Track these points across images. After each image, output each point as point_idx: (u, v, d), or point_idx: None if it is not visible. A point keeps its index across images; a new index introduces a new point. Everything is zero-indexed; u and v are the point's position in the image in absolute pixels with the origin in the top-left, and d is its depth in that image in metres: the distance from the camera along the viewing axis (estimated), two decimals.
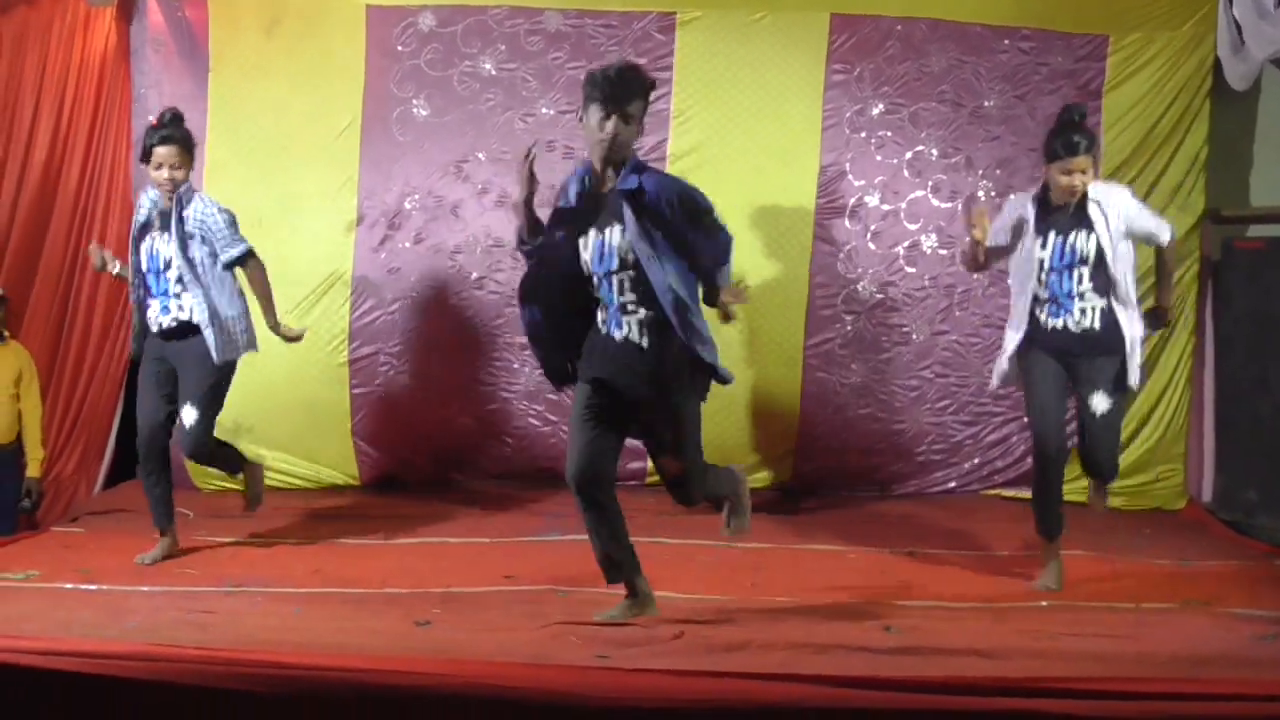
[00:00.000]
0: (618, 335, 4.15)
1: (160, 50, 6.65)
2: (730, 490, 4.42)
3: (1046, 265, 4.85)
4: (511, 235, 6.50)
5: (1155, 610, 4.65)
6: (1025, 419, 6.66)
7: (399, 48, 6.65)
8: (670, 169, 6.57)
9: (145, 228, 5.19)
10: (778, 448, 6.77)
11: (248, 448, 6.48)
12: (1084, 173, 4.77)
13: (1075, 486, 6.41)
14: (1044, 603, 4.72)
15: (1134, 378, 4.89)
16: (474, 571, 5.01)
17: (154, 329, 5.17)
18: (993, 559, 5.45)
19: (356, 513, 6.12)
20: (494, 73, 6.67)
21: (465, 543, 5.59)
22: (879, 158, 6.72)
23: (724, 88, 6.63)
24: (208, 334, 5.09)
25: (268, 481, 6.54)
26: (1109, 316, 4.83)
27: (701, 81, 6.61)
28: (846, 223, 6.73)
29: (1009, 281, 5.12)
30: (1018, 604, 4.70)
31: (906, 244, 6.75)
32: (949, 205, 6.75)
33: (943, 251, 6.74)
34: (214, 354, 5.09)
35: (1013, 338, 4.99)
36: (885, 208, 6.73)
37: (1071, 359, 4.88)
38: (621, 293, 4.11)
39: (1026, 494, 6.41)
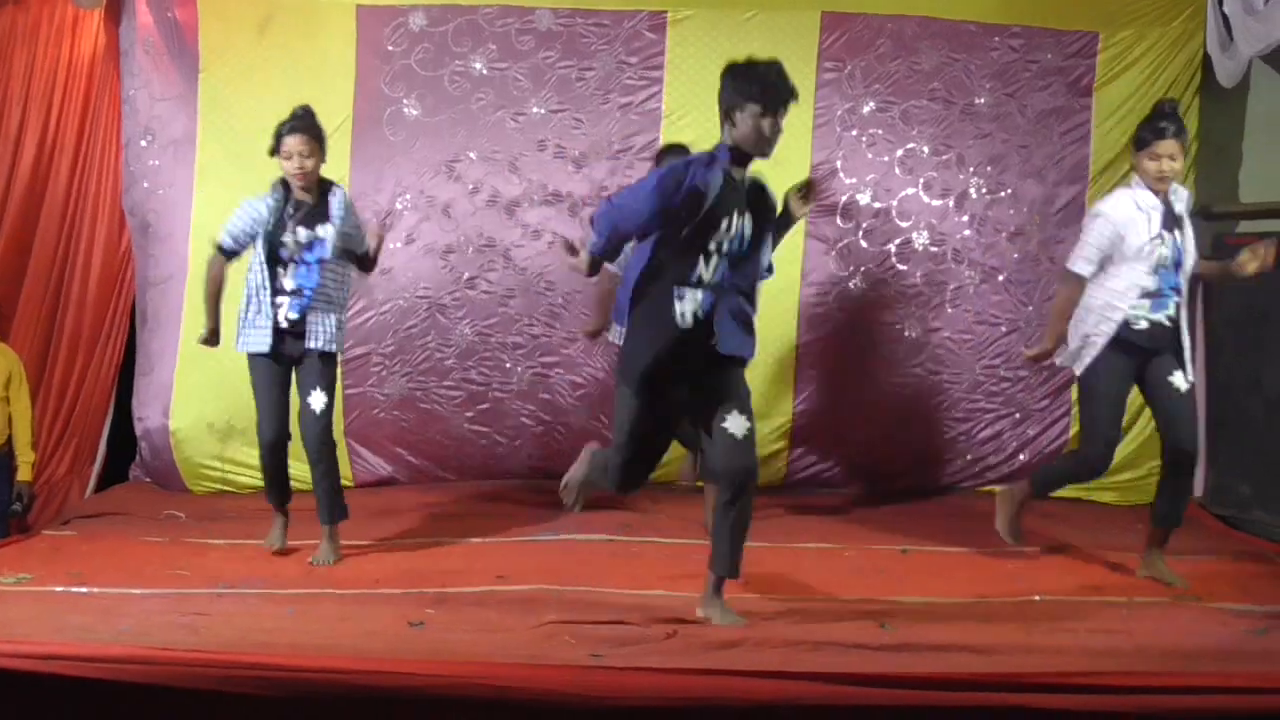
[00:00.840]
0: (690, 320, 4.12)
1: (150, 51, 6.64)
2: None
3: (1166, 262, 4.85)
4: (504, 235, 6.63)
5: (1148, 605, 4.66)
6: (1016, 415, 6.74)
7: (390, 47, 6.64)
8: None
9: (280, 223, 5.09)
10: (770, 446, 6.77)
11: (240, 449, 6.53)
12: (1171, 158, 4.81)
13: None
14: (1037, 598, 4.73)
15: (1190, 371, 4.98)
16: (467, 572, 5.00)
17: (283, 325, 5.10)
18: (986, 555, 5.46)
19: (349, 513, 6.10)
20: (485, 72, 6.67)
21: (459, 543, 5.58)
22: (870, 155, 6.74)
23: (715, 86, 6.57)
24: (329, 323, 5.12)
25: (261, 483, 6.56)
26: (1180, 310, 4.93)
27: (693, 80, 6.61)
28: (838, 220, 6.74)
29: (1082, 269, 4.95)
30: (1011, 600, 4.70)
31: (898, 241, 6.77)
32: (940, 202, 6.76)
33: (935, 249, 6.76)
34: (336, 346, 5.19)
35: (1103, 330, 4.89)
36: (877, 205, 6.74)
37: (1152, 354, 4.90)
38: (723, 274, 4.14)
39: None
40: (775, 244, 4.40)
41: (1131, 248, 4.83)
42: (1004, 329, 6.79)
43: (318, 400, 5.12)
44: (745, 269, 4.18)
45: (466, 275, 6.70)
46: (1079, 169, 6.80)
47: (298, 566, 5.09)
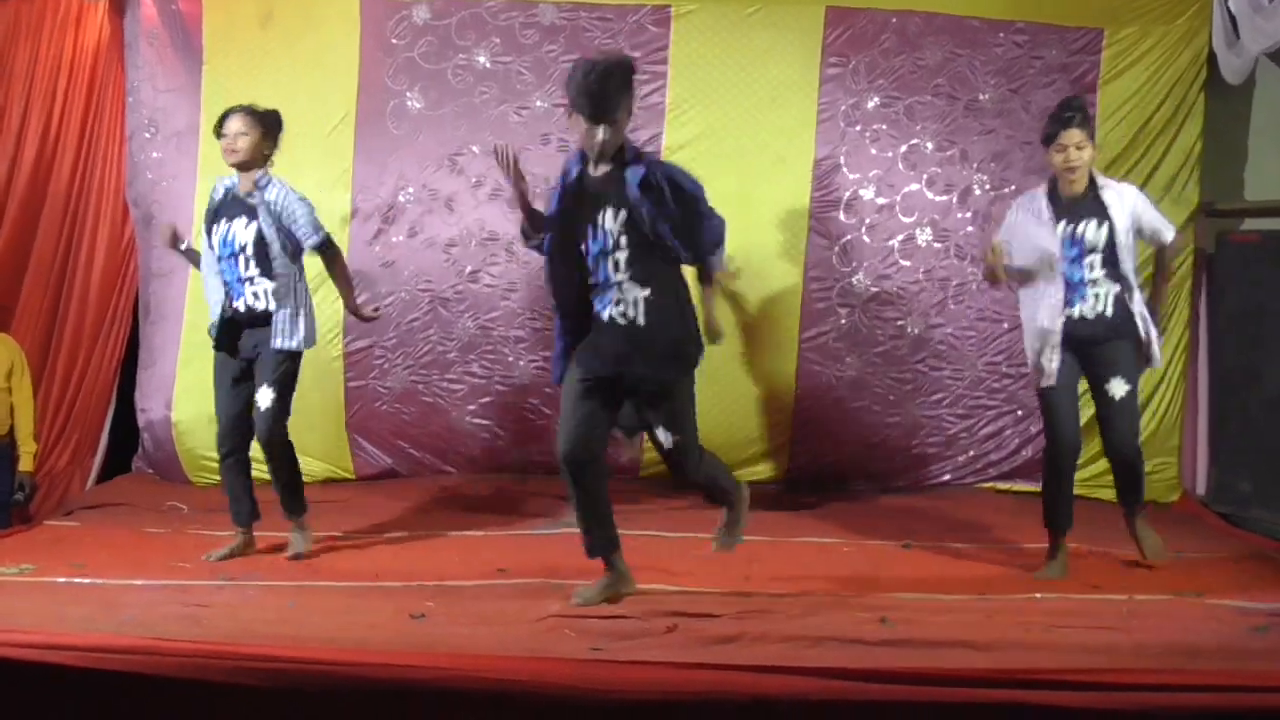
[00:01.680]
0: (614, 314, 4.27)
1: (154, 43, 6.64)
2: (731, 495, 4.53)
3: (1062, 253, 4.87)
4: (507, 229, 6.62)
5: (1149, 602, 4.65)
6: (1018, 412, 6.74)
7: (393, 40, 6.64)
8: None
9: (218, 212, 5.10)
10: (772, 441, 6.77)
11: None
12: (1079, 147, 4.82)
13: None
14: (1038, 595, 4.73)
15: (1156, 356, 4.97)
16: (468, 564, 5.00)
17: (223, 316, 5.08)
18: (987, 551, 5.46)
19: (351, 506, 6.11)
20: (488, 66, 6.66)
21: (459, 536, 5.59)
22: (874, 151, 6.73)
23: (719, 81, 6.63)
24: (279, 319, 5.03)
25: (262, 475, 6.57)
26: (1120, 301, 4.90)
27: (696, 75, 6.61)
28: (842, 216, 6.73)
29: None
30: (1012, 596, 4.70)
31: (901, 237, 6.76)
32: (944, 199, 6.76)
33: (937, 245, 6.75)
34: (283, 341, 5.06)
35: (1045, 350, 4.93)
36: (880, 201, 6.73)
37: (1088, 347, 4.90)
38: (617, 271, 4.24)
39: (1020, 487, 6.50)
40: (704, 255, 4.38)
41: (1024, 248, 4.91)
42: (1006, 325, 6.78)
43: (264, 397, 5.01)
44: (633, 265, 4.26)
45: (469, 269, 6.70)
46: None
47: (298, 559, 5.09)
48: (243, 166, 5.07)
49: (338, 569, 4.94)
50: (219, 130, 5.08)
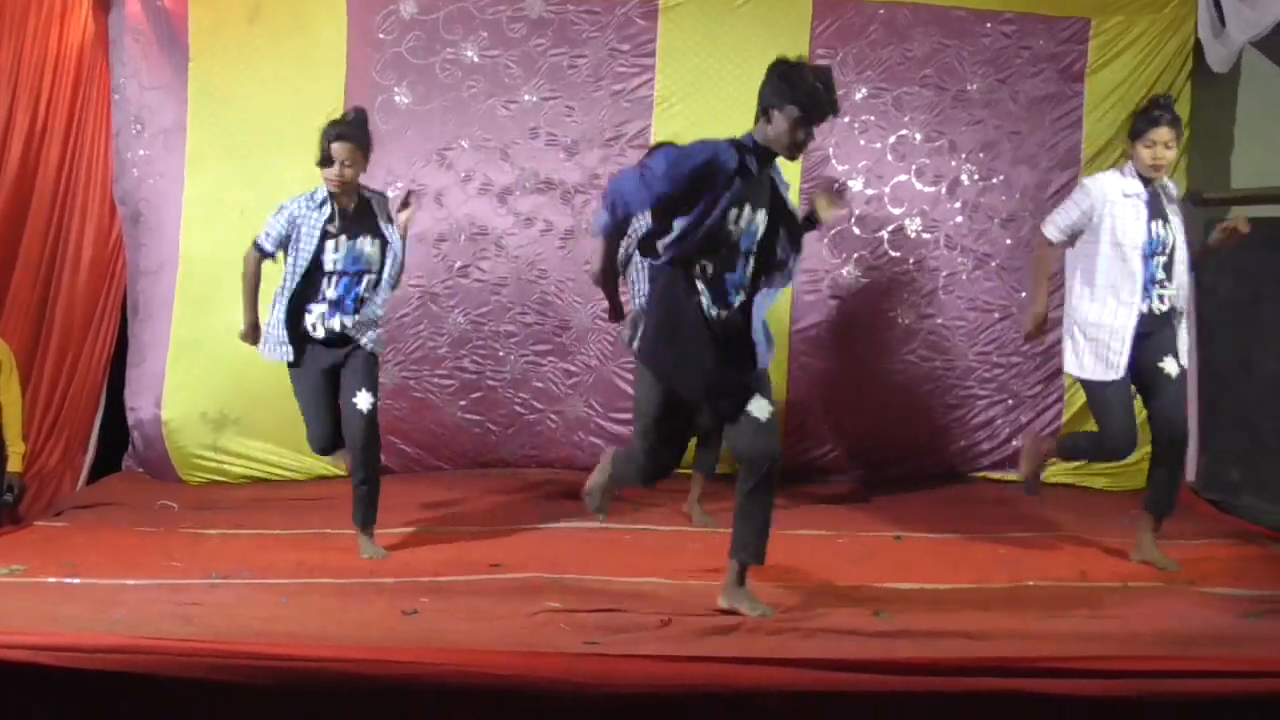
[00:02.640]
0: (723, 314, 4.14)
1: (139, 40, 6.60)
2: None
3: (1148, 250, 4.86)
4: (496, 224, 6.62)
5: (1141, 590, 4.68)
6: (1009, 401, 6.75)
7: (380, 35, 6.62)
8: None
9: (325, 231, 5.00)
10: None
11: (234, 439, 6.52)
12: (1166, 146, 4.81)
13: (1062, 468, 6.48)
14: (1030, 583, 4.74)
15: (1185, 355, 4.99)
16: (461, 560, 5.00)
17: (317, 335, 5.04)
18: (979, 541, 5.47)
19: (344, 503, 6.06)
20: (476, 60, 6.64)
21: (452, 531, 5.58)
22: (863, 142, 6.73)
23: (707, 74, 6.62)
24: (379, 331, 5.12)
25: (256, 473, 6.57)
26: (1169, 303, 4.93)
27: (684, 68, 6.61)
28: None
29: (1051, 234, 5.00)
30: (1005, 585, 4.72)
31: (891, 228, 6.77)
32: (932, 189, 6.77)
33: (927, 235, 6.76)
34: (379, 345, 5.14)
35: (1113, 332, 4.88)
36: (869, 192, 6.74)
37: (1142, 339, 4.89)
38: (745, 272, 4.15)
39: (1012, 476, 6.50)
40: (797, 250, 4.28)
41: (1108, 232, 4.83)
42: (997, 315, 6.80)
43: (364, 400, 5.03)
44: (768, 272, 4.18)
45: (458, 264, 6.69)
46: (1071, 155, 6.80)
47: (290, 556, 5.08)
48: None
49: (331, 565, 4.92)
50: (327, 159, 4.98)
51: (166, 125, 6.60)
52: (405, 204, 5.27)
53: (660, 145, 5.45)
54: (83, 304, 6.69)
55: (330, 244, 5.00)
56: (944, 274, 6.79)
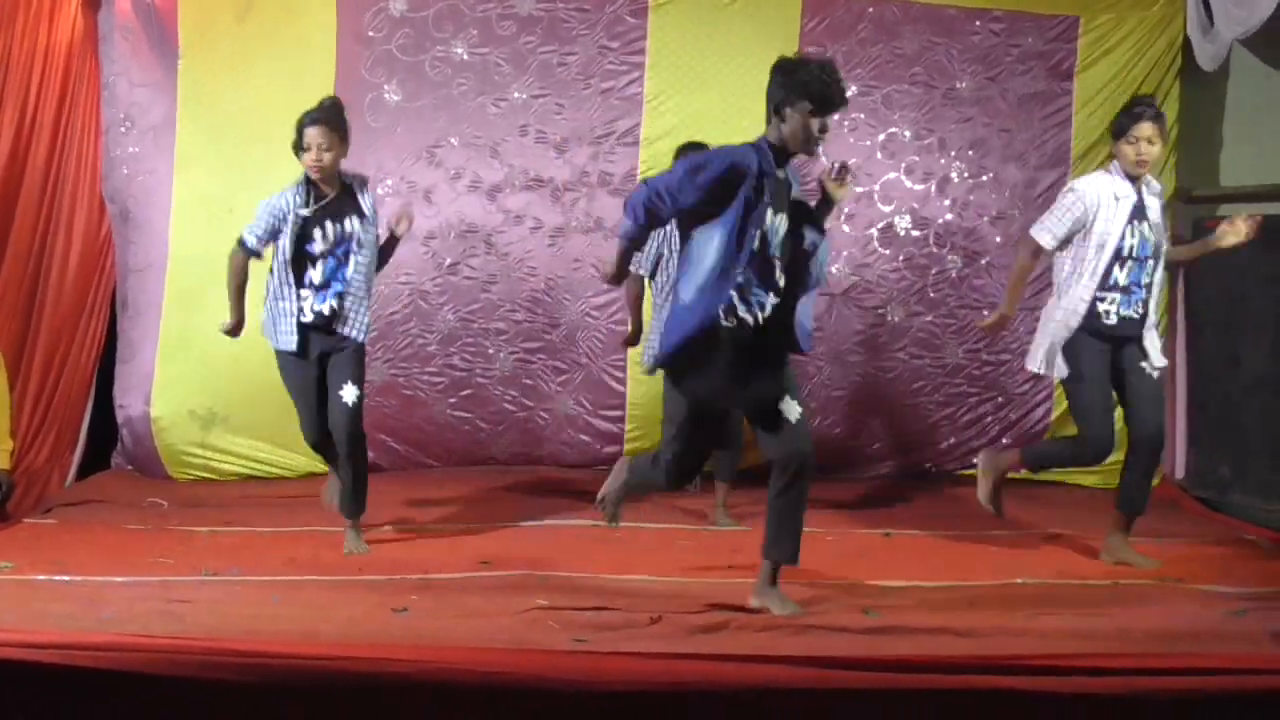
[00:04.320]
0: (751, 320, 4.12)
1: (129, 38, 6.59)
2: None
3: (1135, 254, 4.85)
4: (486, 221, 6.61)
5: (1130, 587, 4.69)
6: (998, 399, 6.77)
7: (370, 33, 6.61)
8: (643, 153, 6.59)
9: (312, 216, 5.00)
10: (753, 431, 6.77)
11: (223, 436, 6.51)
12: (1150, 141, 4.79)
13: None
14: (1019, 581, 4.75)
15: (1160, 358, 4.97)
16: (451, 557, 4.99)
17: (306, 320, 5.04)
18: (969, 539, 5.48)
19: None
20: (466, 57, 6.64)
21: (442, 529, 5.58)
22: (852, 140, 6.74)
23: (697, 71, 6.63)
24: (360, 312, 5.10)
25: (246, 470, 6.56)
26: (1147, 308, 4.93)
27: (674, 65, 6.62)
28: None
29: (1045, 240, 4.95)
30: (994, 583, 4.72)
31: (880, 226, 6.78)
32: (922, 187, 6.78)
33: (916, 233, 6.77)
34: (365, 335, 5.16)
35: (1067, 326, 4.89)
36: (859, 190, 6.74)
37: (1123, 343, 4.90)
38: (774, 276, 4.13)
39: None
40: (821, 238, 4.25)
41: (1097, 234, 4.83)
42: (986, 313, 6.73)
43: (349, 393, 5.04)
44: (797, 276, 4.17)
45: (448, 261, 6.69)
46: (1060, 153, 6.82)
47: (280, 553, 5.08)
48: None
49: (321, 562, 4.92)
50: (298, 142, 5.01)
51: (156, 123, 6.59)
52: (400, 220, 5.31)
53: (684, 147, 5.48)
54: (71, 301, 6.67)
55: (316, 231, 5.00)
56: (933, 271, 6.80)
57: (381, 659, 3.39)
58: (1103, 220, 4.82)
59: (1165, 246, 4.98)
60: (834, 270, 6.75)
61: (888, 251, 6.78)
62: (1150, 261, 4.89)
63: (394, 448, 6.79)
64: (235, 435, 6.54)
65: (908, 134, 6.76)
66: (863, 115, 6.74)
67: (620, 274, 4.28)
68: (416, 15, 6.61)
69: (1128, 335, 4.89)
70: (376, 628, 3.97)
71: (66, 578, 4.60)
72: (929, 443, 6.90)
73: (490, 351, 6.74)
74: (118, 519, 5.70)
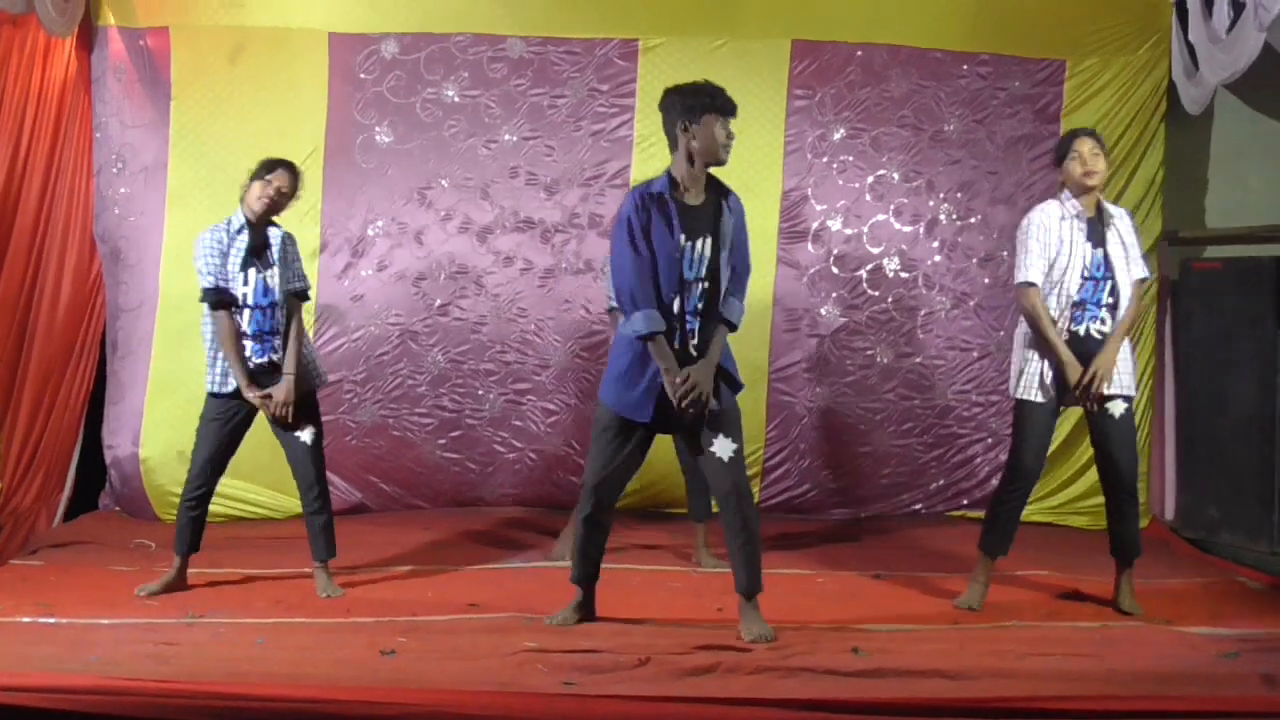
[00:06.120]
0: (686, 341, 4.36)
1: (121, 79, 6.63)
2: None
3: (1088, 273, 4.84)
4: (476, 262, 6.63)
5: (1120, 629, 4.69)
6: (988, 440, 6.77)
7: (362, 75, 6.65)
8: None
9: (247, 259, 4.99)
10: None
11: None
12: (1094, 153, 4.82)
13: (1040, 506, 6.50)
14: (1009, 623, 4.74)
15: (1133, 385, 4.93)
16: (439, 600, 4.98)
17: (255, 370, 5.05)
18: (959, 580, 5.45)
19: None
20: (457, 99, 6.68)
21: (430, 570, 5.56)
22: (841, 182, 6.78)
23: None
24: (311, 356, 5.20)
25: (233, 512, 6.52)
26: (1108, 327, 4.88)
27: None
28: (809, 247, 6.77)
29: (1035, 277, 4.88)
30: (984, 625, 4.72)
31: (869, 267, 6.80)
32: (911, 228, 6.82)
33: (905, 274, 6.80)
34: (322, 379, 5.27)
35: (1035, 357, 4.88)
36: (848, 231, 6.78)
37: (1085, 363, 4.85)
38: (700, 299, 4.37)
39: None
40: (744, 268, 4.50)
41: (1051, 255, 4.84)
42: (975, 354, 6.83)
43: (306, 434, 5.09)
44: (719, 296, 4.39)
45: (438, 302, 6.70)
46: (1048, 195, 6.75)
47: (267, 596, 5.06)
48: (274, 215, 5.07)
49: (308, 605, 4.90)
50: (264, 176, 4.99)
51: (148, 163, 6.62)
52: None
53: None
54: (61, 341, 6.66)
55: (241, 276, 5.00)
56: (922, 313, 6.83)
57: (369, 702, 3.38)
58: (1056, 240, 4.85)
59: (1143, 272, 4.93)
60: (823, 312, 6.77)
61: (876, 293, 6.81)
62: (1106, 281, 4.86)
63: (382, 488, 6.78)
64: (223, 477, 6.49)
65: (896, 176, 6.81)
66: (851, 157, 6.78)
67: (672, 360, 4.34)
68: (408, 58, 6.66)
69: (1087, 353, 4.84)
70: (364, 670, 3.95)
71: (53, 620, 4.58)
72: (918, 484, 6.89)
73: (480, 392, 6.74)
74: (105, 561, 5.67)
